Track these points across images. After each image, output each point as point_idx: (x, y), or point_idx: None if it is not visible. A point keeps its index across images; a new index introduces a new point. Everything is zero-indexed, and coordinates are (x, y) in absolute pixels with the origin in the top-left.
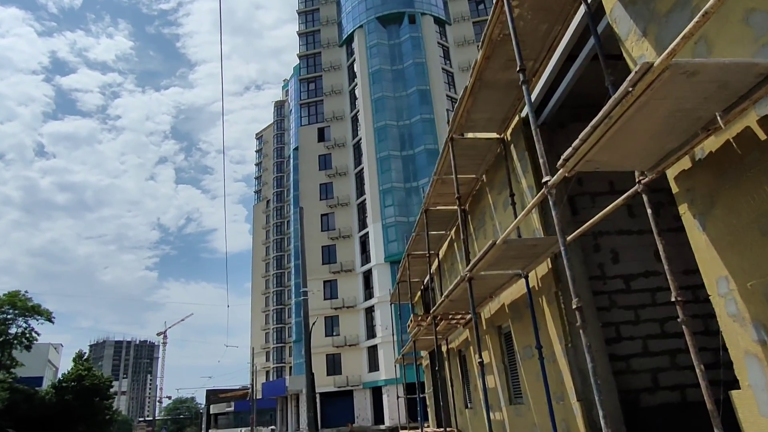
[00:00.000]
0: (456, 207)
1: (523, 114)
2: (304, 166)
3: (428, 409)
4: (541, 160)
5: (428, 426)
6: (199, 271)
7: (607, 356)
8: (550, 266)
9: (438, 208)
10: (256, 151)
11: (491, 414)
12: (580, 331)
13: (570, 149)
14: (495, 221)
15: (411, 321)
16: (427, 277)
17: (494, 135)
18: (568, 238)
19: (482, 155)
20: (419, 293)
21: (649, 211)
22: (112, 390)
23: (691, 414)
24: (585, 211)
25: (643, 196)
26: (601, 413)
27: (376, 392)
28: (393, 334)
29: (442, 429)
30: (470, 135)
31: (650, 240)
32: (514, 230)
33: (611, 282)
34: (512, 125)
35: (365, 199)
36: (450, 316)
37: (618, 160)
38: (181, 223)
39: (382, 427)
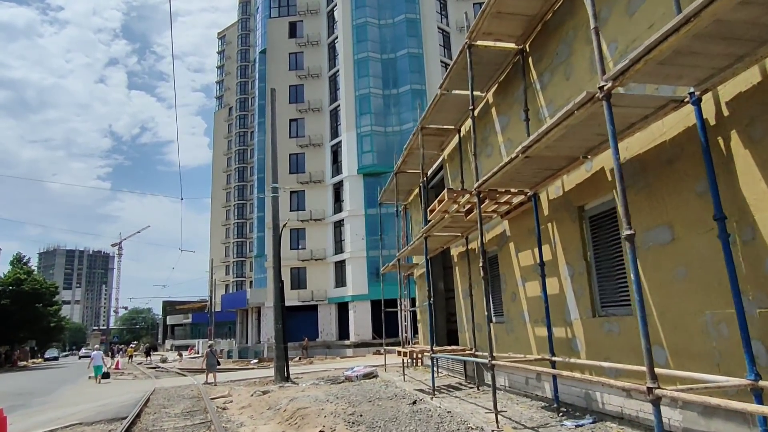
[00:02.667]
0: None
1: None
2: (272, 65)
3: (419, 325)
4: None
5: (417, 342)
6: (156, 183)
7: None
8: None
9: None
10: (218, 53)
11: (549, 329)
12: None
13: None
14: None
15: (438, 202)
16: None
17: None
18: None
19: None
20: (417, 191)
21: None
22: (57, 297)
23: None
24: None
25: None
26: None
27: (342, 308)
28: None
29: (443, 347)
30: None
31: None
32: None
33: None
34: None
35: (339, 105)
36: (497, 195)
37: None
38: (136, 132)
39: (346, 342)
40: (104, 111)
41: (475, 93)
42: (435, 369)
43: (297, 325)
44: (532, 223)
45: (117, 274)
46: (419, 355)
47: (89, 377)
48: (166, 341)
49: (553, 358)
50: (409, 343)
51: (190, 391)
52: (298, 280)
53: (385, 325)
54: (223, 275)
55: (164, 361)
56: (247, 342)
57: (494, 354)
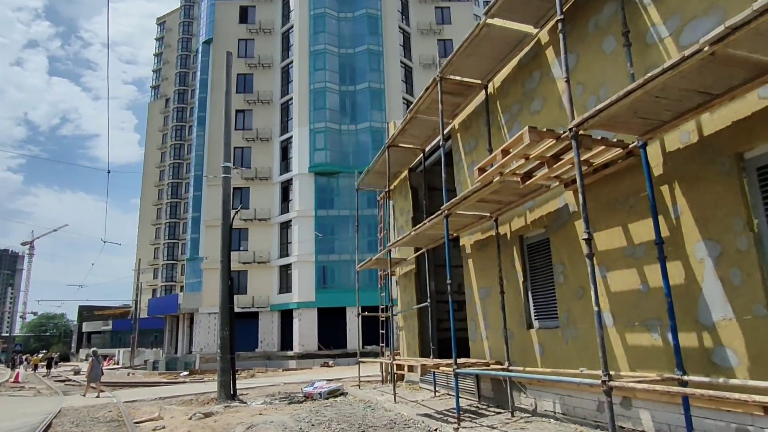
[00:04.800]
0: None
1: None
2: (219, 50)
3: (401, 333)
4: None
5: (397, 353)
6: (77, 180)
7: None
8: None
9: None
10: (157, 39)
11: (675, 335)
12: None
13: None
14: None
15: (504, 152)
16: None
17: None
18: None
19: None
20: (404, 174)
21: None
22: None
23: None
24: None
25: None
26: None
27: (286, 316)
28: (360, 246)
29: (448, 360)
30: None
31: None
32: None
33: None
34: None
35: (291, 99)
36: (592, 143)
37: None
38: (55, 123)
39: (289, 353)
40: (20, 97)
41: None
42: (433, 387)
43: (235, 334)
44: (619, 191)
45: (26, 275)
46: (404, 370)
47: None
48: (81, 350)
49: (686, 377)
50: (383, 355)
51: (108, 412)
52: (238, 284)
53: (332, 336)
54: (150, 279)
55: (77, 372)
56: (176, 352)
57: (526, 367)
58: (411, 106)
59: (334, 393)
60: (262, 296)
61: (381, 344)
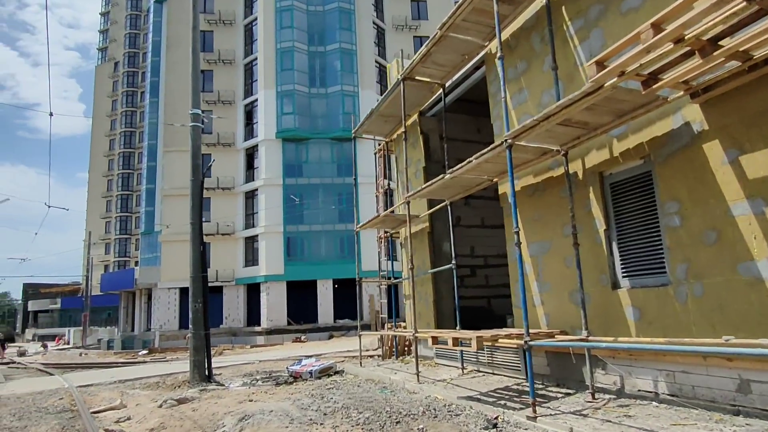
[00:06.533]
0: None
1: None
2: (173, 8)
3: (407, 302)
4: None
5: (403, 326)
6: (16, 152)
7: None
8: None
9: None
10: None
11: None
12: None
13: None
14: None
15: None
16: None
17: None
18: None
19: None
20: (415, 117)
21: None
22: None
23: None
24: None
25: None
26: None
27: (252, 290)
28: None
29: (456, 332)
30: None
31: None
32: None
33: None
34: None
35: (256, 59)
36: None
37: None
38: None
39: (257, 329)
40: None
41: None
42: (461, 363)
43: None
44: None
45: None
46: (408, 343)
47: None
48: (27, 330)
49: None
50: (382, 327)
51: (59, 399)
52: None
53: (302, 310)
54: (102, 254)
55: (23, 354)
56: (133, 330)
57: (610, 336)
58: (443, 22)
59: (326, 371)
60: (226, 269)
61: (382, 315)
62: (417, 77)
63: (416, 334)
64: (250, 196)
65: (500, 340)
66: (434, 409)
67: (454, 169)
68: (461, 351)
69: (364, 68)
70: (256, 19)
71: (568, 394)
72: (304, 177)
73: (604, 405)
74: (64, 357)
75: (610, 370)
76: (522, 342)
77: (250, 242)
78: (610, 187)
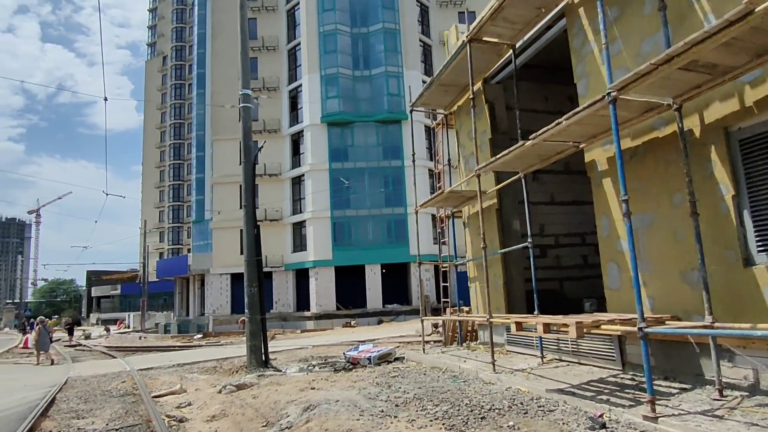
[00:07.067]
0: None
1: None
2: None
3: (473, 286)
4: None
5: (466, 310)
6: (78, 148)
7: None
8: None
9: None
10: None
11: None
12: None
13: None
14: None
15: None
16: None
17: None
18: None
19: None
20: (479, 84)
21: None
22: None
23: None
24: None
25: None
26: None
27: (301, 275)
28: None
29: (529, 316)
30: None
31: None
32: None
33: None
34: None
35: (299, 44)
36: None
37: None
38: (52, 91)
39: (306, 313)
40: (15, 66)
41: None
42: (540, 351)
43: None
44: None
45: (35, 243)
46: (471, 328)
47: None
48: (92, 315)
49: None
50: (443, 312)
51: (121, 383)
52: None
53: (350, 295)
54: (157, 242)
55: (87, 337)
56: (187, 314)
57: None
58: None
59: (385, 357)
60: (275, 255)
61: (444, 300)
62: (485, 38)
63: (491, 320)
64: (297, 182)
65: (603, 327)
66: (521, 404)
67: (538, 133)
68: (540, 338)
69: (408, 48)
70: (298, 4)
71: (684, 390)
72: (350, 161)
73: (739, 404)
74: (124, 340)
75: (739, 363)
76: (629, 329)
77: (298, 228)
78: (739, 144)
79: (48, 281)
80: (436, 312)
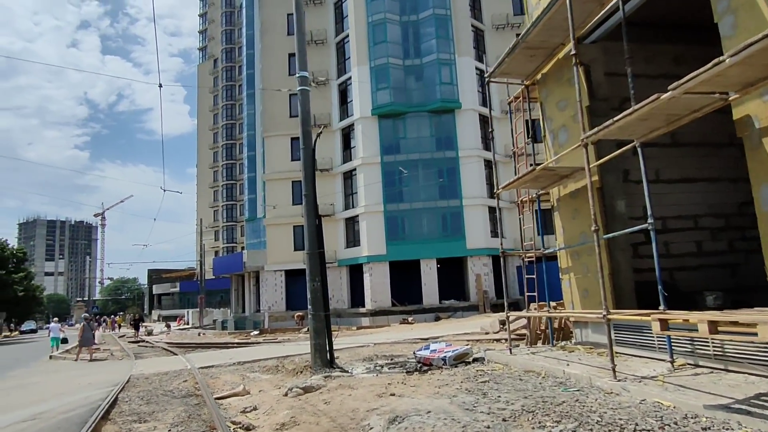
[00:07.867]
0: None
1: None
2: None
3: (564, 277)
4: None
5: (556, 306)
6: (136, 153)
7: None
8: None
9: None
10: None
11: None
12: None
13: None
14: None
15: None
16: None
17: None
18: None
19: None
20: (570, 47)
21: None
22: (27, 263)
23: None
24: None
25: None
26: None
27: (355, 271)
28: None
29: (638, 312)
30: None
31: None
32: None
33: None
34: None
35: (347, 36)
36: None
37: None
38: (112, 100)
39: (361, 310)
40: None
41: None
42: (670, 354)
43: (302, 292)
44: None
45: (101, 244)
46: (564, 326)
47: (50, 356)
48: (153, 311)
49: None
50: (528, 308)
51: (182, 382)
52: (302, 239)
53: (405, 291)
54: (212, 241)
55: (150, 333)
56: (244, 311)
57: None
58: None
59: (461, 358)
60: (328, 251)
61: (528, 293)
62: None
63: (609, 316)
64: (348, 176)
65: None
66: (675, 424)
67: (681, 81)
68: (668, 337)
69: (460, 34)
70: None
71: None
72: (402, 153)
73: None
74: (184, 336)
75: None
76: None
77: (351, 223)
78: None
79: (113, 280)
80: (495, 309)
